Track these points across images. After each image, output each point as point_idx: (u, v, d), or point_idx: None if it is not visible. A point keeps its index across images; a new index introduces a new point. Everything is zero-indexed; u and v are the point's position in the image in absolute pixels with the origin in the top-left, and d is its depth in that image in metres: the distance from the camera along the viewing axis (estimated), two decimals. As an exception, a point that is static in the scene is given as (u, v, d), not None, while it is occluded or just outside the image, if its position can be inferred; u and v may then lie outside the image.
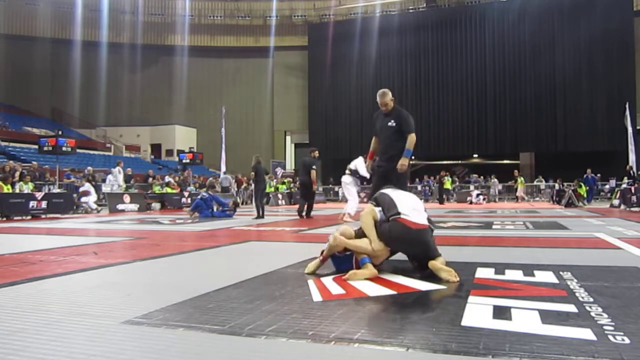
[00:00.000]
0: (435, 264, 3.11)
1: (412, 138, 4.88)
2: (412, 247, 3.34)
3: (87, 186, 15.10)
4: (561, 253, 4.46)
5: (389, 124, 4.90)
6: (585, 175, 19.32)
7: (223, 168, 22.36)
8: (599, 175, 22.48)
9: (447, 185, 22.68)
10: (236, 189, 21.36)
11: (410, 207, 3.31)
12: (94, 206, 14.60)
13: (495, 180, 24.14)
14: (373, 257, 3.23)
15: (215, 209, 11.30)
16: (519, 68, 29.30)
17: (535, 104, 28.72)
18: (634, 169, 17.43)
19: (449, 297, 2.60)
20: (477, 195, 21.27)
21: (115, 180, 17.54)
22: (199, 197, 11.93)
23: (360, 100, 30.87)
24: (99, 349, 1.75)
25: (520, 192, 22.92)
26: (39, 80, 32.35)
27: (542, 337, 1.83)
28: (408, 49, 31.52)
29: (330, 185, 27.86)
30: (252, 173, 11.26)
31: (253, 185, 11.82)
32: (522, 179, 23.37)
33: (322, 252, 3.41)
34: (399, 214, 3.22)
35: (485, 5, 30.76)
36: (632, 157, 18.11)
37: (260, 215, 10.72)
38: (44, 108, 33.10)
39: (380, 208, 3.38)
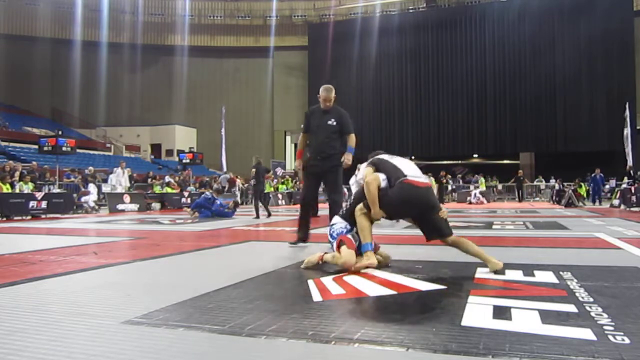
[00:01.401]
0: (491, 261, 3.18)
1: (353, 137, 4.82)
2: (421, 208, 3.36)
3: (91, 186, 15.11)
4: (561, 253, 4.47)
5: (329, 122, 4.77)
6: (593, 175, 19.15)
7: (224, 168, 22.36)
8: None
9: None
10: (233, 188, 21.30)
11: (412, 168, 3.42)
12: (93, 205, 14.60)
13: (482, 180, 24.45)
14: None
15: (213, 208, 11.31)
16: (519, 68, 29.27)
17: (535, 104, 28.69)
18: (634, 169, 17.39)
19: (449, 297, 2.60)
20: (475, 194, 21.28)
21: (117, 180, 17.50)
22: (201, 196, 12.00)
23: (360, 100, 30.85)
24: (99, 349, 1.75)
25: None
26: (39, 80, 32.29)
27: (542, 337, 1.83)
28: (408, 49, 31.49)
29: None
30: (253, 170, 11.24)
31: (253, 185, 11.83)
32: (483, 179, 23.59)
33: (322, 256, 3.49)
34: (405, 176, 3.31)
35: (485, 5, 30.74)
36: (629, 159, 18.09)
37: (257, 216, 10.77)
38: (44, 108, 33.05)
39: (383, 175, 3.39)
